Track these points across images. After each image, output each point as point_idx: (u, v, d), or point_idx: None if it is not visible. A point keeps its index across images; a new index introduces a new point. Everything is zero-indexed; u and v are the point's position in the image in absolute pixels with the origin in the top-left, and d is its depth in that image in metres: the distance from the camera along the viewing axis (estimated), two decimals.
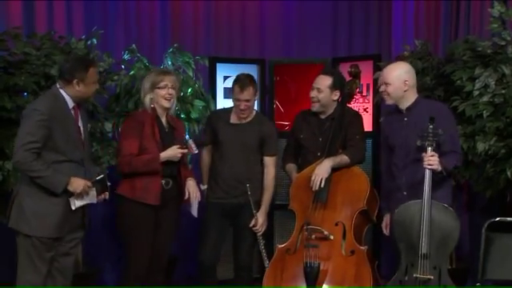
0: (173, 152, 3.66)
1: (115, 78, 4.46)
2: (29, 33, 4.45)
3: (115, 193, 3.67)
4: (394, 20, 5.37)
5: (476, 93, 4.24)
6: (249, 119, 3.98)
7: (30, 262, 3.34)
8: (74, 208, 3.36)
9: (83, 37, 4.50)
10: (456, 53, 4.44)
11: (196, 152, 3.79)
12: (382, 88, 3.71)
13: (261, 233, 3.92)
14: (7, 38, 4.22)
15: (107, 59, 4.45)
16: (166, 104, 3.72)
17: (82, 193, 3.34)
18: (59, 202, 3.34)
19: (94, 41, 4.46)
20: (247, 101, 3.90)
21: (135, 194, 3.63)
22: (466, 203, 5.00)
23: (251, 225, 3.88)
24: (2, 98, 3.99)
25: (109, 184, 3.49)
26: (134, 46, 4.65)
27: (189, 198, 3.73)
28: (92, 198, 3.40)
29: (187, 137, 4.16)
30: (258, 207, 3.93)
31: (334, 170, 3.80)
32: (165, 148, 3.66)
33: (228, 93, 4.86)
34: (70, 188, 3.31)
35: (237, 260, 3.98)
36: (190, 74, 4.59)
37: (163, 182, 3.66)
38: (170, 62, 4.60)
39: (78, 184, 3.32)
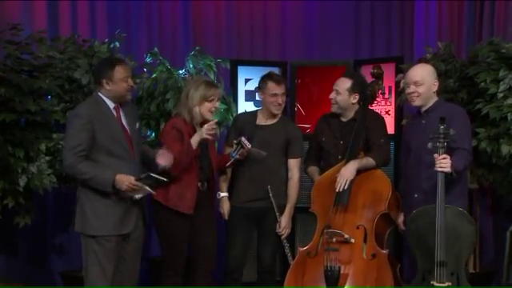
0: (199, 133, 3.62)
1: (137, 80, 4.49)
2: (53, 35, 4.52)
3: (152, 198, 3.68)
4: (417, 21, 5.31)
5: (500, 95, 4.19)
6: (275, 121, 3.98)
7: (97, 261, 3.42)
8: (136, 198, 3.42)
9: (106, 40, 4.55)
10: (480, 55, 4.39)
11: (250, 147, 3.79)
12: (412, 88, 3.62)
13: (284, 236, 3.91)
14: (32, 41, 4.29)
15: (130, 62, 4.48)
16: (210, 117, 3.72)
17: (129, 190, 3.38)
18: (117, 201, 3.41)
19: (117, 44, 4.51)
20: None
21: (168, 202, 3.64)
22: (490, 206, 4.95)
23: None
24: (26, 101, 4.05)
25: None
26: (155, 49, 4.69)
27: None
28: (145, 191, 3.42)
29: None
30: (283, 210, 3.91)
31: (357, 172, 3.78)
32: (200, 158, 3.67)
33: (249, 95, 4.87)
34: (117, 186, 3.37)
35: (260, 263, 3.98)
36: (212, 76, 4.60)
37: (199, 184, 3.70)
38: (191, 65, 4.62)
39: (122, 182, 3.36)
